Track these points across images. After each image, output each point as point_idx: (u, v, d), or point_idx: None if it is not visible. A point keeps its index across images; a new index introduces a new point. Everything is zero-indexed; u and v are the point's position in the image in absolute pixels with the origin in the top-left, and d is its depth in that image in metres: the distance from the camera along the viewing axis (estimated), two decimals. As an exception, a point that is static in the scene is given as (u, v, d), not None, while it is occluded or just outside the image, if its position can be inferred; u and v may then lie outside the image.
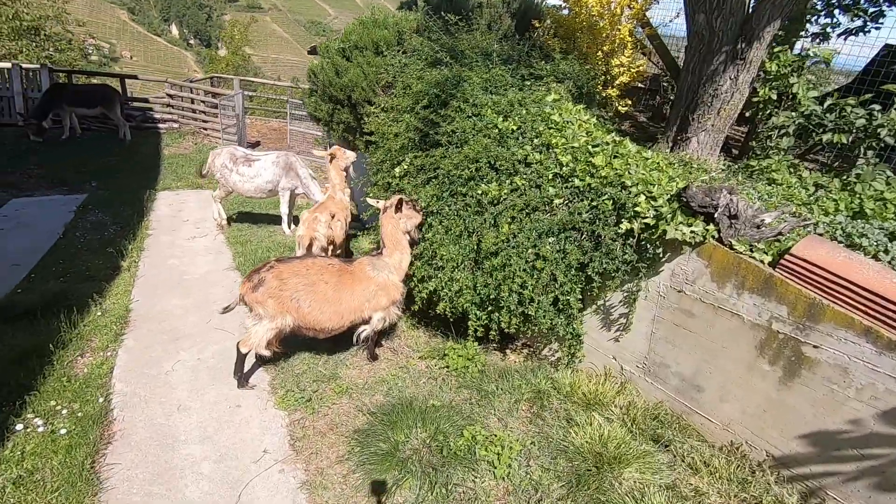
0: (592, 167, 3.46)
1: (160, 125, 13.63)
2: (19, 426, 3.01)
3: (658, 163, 3.55)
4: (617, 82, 6.21)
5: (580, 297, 3.50)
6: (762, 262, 2.81)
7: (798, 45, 4.81)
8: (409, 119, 4.17)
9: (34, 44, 17.78)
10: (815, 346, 2.56)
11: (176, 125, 13.69)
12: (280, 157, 7.25)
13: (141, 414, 3.26)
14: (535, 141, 3.73)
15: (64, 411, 3.16)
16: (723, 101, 4.46)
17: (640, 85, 8.00)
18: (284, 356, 3.95)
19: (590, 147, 3.55)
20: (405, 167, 4.07)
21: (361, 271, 3.57)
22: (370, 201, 3.87)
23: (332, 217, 5.41)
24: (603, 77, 6.21)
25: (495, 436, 3.09)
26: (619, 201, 3.25)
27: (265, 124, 16.58)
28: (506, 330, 3.72)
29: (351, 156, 5.69)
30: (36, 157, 10.23)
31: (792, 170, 4.20)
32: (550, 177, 3.57)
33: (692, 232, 2.97)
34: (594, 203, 3.35)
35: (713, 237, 2.98)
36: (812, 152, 4.82)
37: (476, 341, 3.89)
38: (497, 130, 3.77)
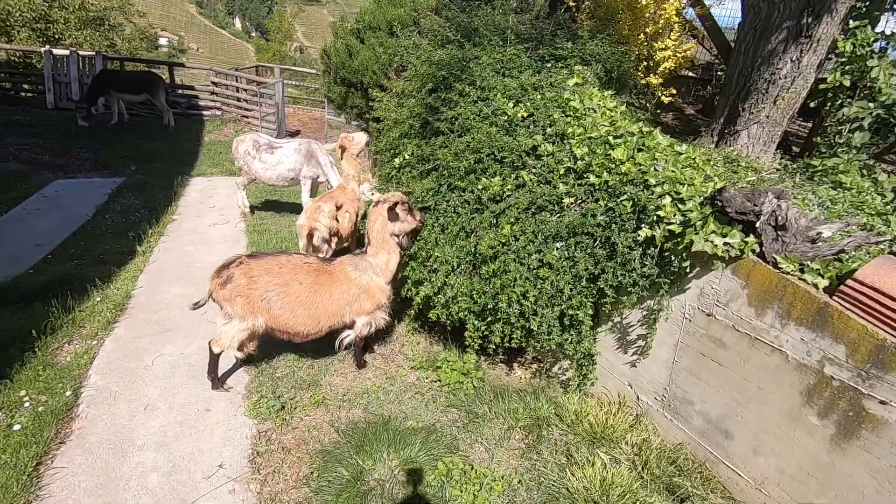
0: (611, 161, 2.94)
1: (204, 112, 13.93)
2: (-22, 418, 2.89)
3: (693, 159, 2.98)
4: (661, 69, 5.53)
5: (591, 312, 3.01)
6: (815, 286, 2.22)
7: (882, 22, 4.01)
8: (412, 104, 3.78)
9: (98, 33, 18.72)
10: (882, 402, 1.97)
11: (219, 112, 13.95)
12: (302, 144, 7.05)
13: (106, 412, 3.08)
14: (549, 130, 3.24)
15: (27, 404, 3.02)
16: (781, 87, 3.77)
17: (689, 73, 7.18)
18: (268, 356, 3.69)
19: (610, 138, 3.03)
20: (406, 157, 3.68)
21: (342, 272, 3.22)
22: (367, 193, 3.50)
23: (339, 208, 5.11)
24: (644, 63, 5.55)
25: (475, 471, 2.67)
26: (639, 203, 2.72)
27: (307, 113, 16.67)
28: (507, 344, 3.28)
29: (361, 138, 5.36)
30: (84, 141, 10.61)
31: (865, 172, 3.47)
32: (562, 172, 3.08)
33: (727, 244, 2.41)
34: (611, 204, 2.84)
35: (753, 251, 2.41)
36: (892, 151, 4.03)
37: (477, 353, 3.47)
38: (506, 117, 3.31)
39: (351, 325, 3.38)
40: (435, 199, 3.34)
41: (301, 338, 3.24)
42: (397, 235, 3.36)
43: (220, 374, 3.48)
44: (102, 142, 10.71)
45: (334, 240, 5.18)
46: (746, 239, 2.41)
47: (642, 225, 2.72)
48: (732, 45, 5.82)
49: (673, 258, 2.68)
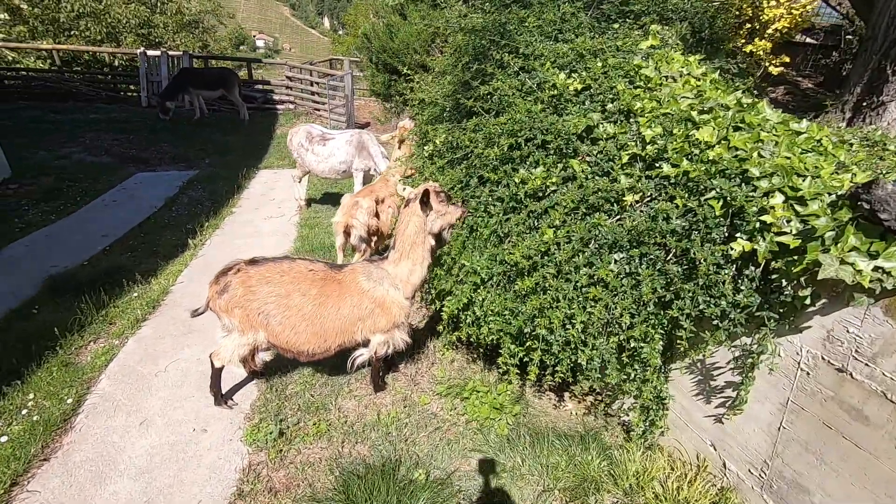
0: (695, 145, 2.15)
1: (278, 106, 14.28)
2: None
3: (818, 140, 2.10)
4: (769, 31, 4.42)
5: (661, 346, 2.25)
6: None
7: None
8: (445, 82, 3.18)
9: (192, 36, 20.05)
10: None
11: (292, 106, 14.23)
12: (354, 135, 6.72)
13: (101, 425, 2.85)
14: (609, 106, 2.49)
15: (24, 412, 2.88)
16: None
17: (806, 39, 5.85)
18: (283, 369, 3.32)
19: (694, 113, 2.23)
20: (437, 143, 3.09)
21: (352, 282, 2.71)
22: (399, 190, 2.97)
23: (381, 203, 4.64)
24: (748, 25, 4.47)
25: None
26: (734, 203, 1.93)
27: (380, 105, 16.61)
28: (548, 379, 2.61)
29: (410, 126, 4.85)
30: (168, 136, 11.20)
31: None
32: (625, 160, 2.33)
33: (880, 270, 1.57)
34: (691, 204, 2.06)
35: (926, 282, 1.54)
36: None
37: (520, 376, 2.83)
38: (554, 91, 2.61)
39: (366, 344, 2.88)
40: (463, 193, 2.72)
41: (306, 357, 2.80)
42: (438, 234, 2.75)
43: (229, 387, 3.17)
44: (183, 136, 11.24)
45: (374, 238, 4.74)
46: (913, 262, 1.55)
47: (737, 234, 1.92)
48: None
49: (784, 283, 1.85)
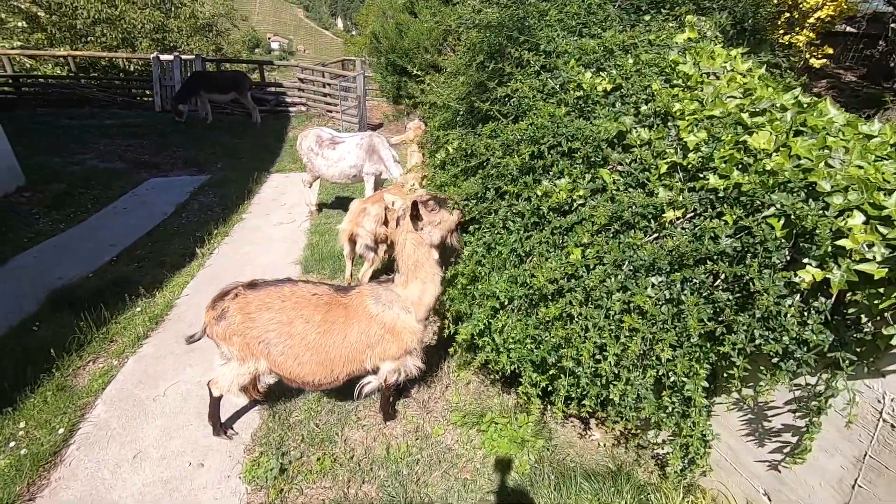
0: (747, 153, 1.85)
1: (290, 109, 14.16)
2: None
3: (894, 145, 1.79)
4: (811, 20, 4.06)
5: (706, 383, 1.97)
6: None
7: None
8: (459, 83, 2.92)
9: (206, 39, 20.10)
10: None
11: (304, 108, 14.09)
12: (364, 138, 6.51)
13: (94, 458, 2.67)
14: (644, 108, 2.21)
15: (12, 444, 2.70)
16: None
17: (847, 28, 5.43)
18: (287, 394, 3.10)
19: (744, 115, 1.93)
20: (450, 150, 2.83)
21: (360, 306, 2.47)
22: (387, 198, 2.73)
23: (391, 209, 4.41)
24: (786, 15, 4.12)
25: None
26: (799, 222, 1.63)
27: (392, 106, 16.40)
28: (576, 408, 2.35)
29: (423, 127, 4.61)
30: (180, 140, 11.15)
31: None
32: (664, 170, 2.04)
33: None
34: (746, 222, 1.76)
35: None
36: None
37: (542, 401, 2.56)
38: (580, 92, 2.33)
39: (375, 371, 2.64)
40: (479, 207, 2.46)
41: (312, 387, 2.58)
42: (437, 246, 2.52)
43: (230, 414, 2.97)
44: (196, 140, 11.17)
45: (382, 247, 4.50)
46: None
47: (805, 260, 1.63)
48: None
49: (864, 319, 1.56)
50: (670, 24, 2.59)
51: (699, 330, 1.86)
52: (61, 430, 2.80)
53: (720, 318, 1.83)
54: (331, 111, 13.48)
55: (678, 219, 1.98)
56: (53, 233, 6.15)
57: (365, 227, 4.16)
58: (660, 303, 1.97)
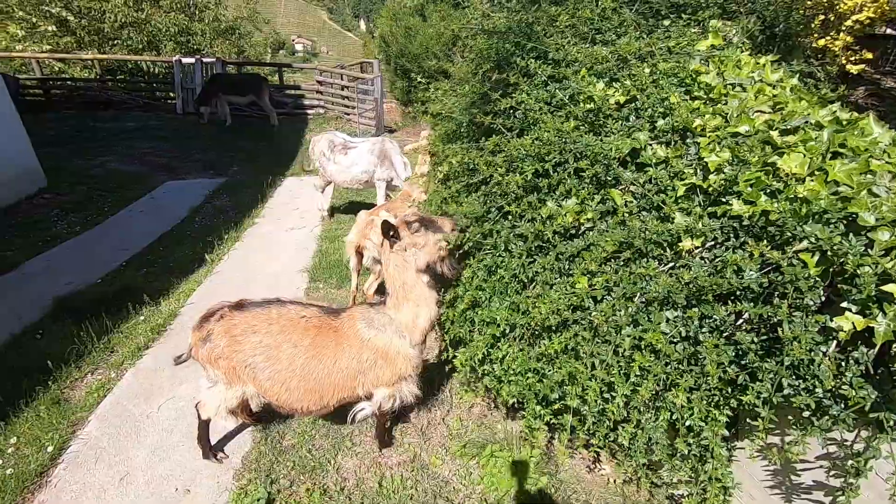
0: (776, 177, 1.65)
1: (308, 111, 14.19)
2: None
3: (954, 169, 1.56)
4: (847, 23, 3.77)
5: (726, 433, 1.76)
6: None
7: None
8: (464, 92, 2.75)
9: (228, 42, 20.36)
10: None
11: (322, 111, 14.10)
12: (376, 143, 6.40)
13: (80, 480, 2.59)
14: (660, 123, 2.01)
15: (0, 462, 2.64)
16: None
17: (886, 31, 5.10)
18: (282, 415, 2.98)
19: (774, 134, 1.72)
20: (452, 165, 2.66)
21: (350, 330, 2.33)
22: (382, 215, 2.57)
23: (399, 221, 4.27)
24: (821, 17, 3.84)
25: None
26: (836, 258, 1.42)
27: (401, 110, 16.32)
28: (584, 447, 2.16)
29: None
30: (199, 143, 11.25)
31: None
32: (681, 192, 1.85)
33: None
34: (774, 257, 1.56)
35: None
36: None
37: (543, 435, 2.39)
38: (591, 105, 2.14)
39: (369, 397, 2.50)
40: (480, 228, 2.29)
41: (302, 414, 2.45)
42: (425, 270, 2.33)
43: (223, 435, 2.87)
44: (214, 143, 11.26)
45: (389, 260, 4.37)
46: None
47: (844, 304, 1.42)
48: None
49: (913, 376, 1.34)
50: (692, 30, 2.38)
51: (717, 375, 1.65)
52: (50, 449, 2.73)
53: (743, 363, 1.63)
54: (348, 114, 13.45)
55: (696, 248, 1.78)
56: (68, 236, 6.20)
57: (373, 239, 4.03)
58: (674, 340, 1.77)
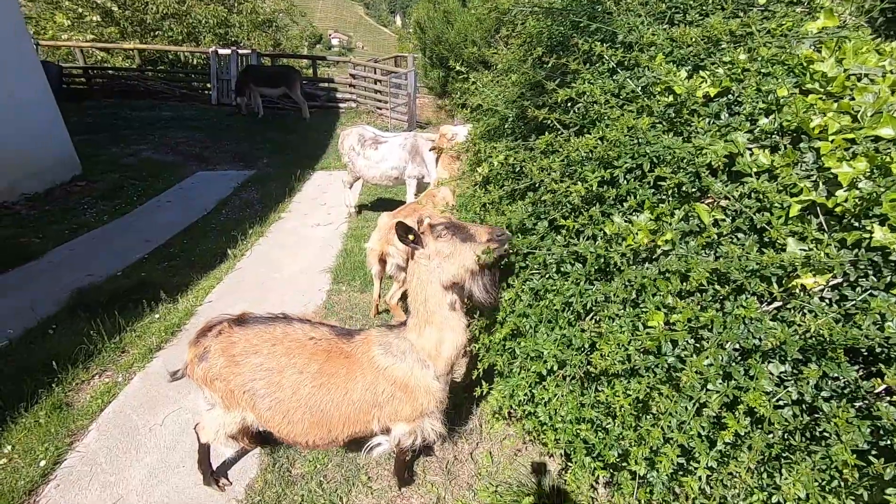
0: (943, 198, 1.21)
1: (340, 105, 14.03)
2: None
3: None
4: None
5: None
6: None
7: None
8: (510, 82, 2.38)
9: (265, 34, 20.45)
10: None
11: (354, 104, 13.92)
12: (408, 138, 6.09)
13: (70, 501, 2.36)
14: (763, 121, 1.59)
15: (-9, 474, 2.44)
16: None
17: None
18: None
19: (939, 140, 1.29)
20: (494, 165, 2.29)
21: (365, 356, 2.00)
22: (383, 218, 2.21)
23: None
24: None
25: None
26: None
27: (432, 103, 15.98)
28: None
29: (460, 132, 4.12)
30: (231, 134, 11.21)
31: None
32: (796, 212, 1.43)
33: None
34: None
35: None
36: None
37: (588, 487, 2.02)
38: (670, 98, 1.73)
39: (385, 432, 2.17)
40: (525, 241, 1.91)
41: (307, 448, 2.14)
42: (452, 287, 1.95)
43: (226, 458, 2.59)
44: (246, 134, 11.21)
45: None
46: None
47: None
48: None
49: None
50: (798, 10, 1.94)
51: (844, 459, 1.24)
52: (43, 463, 2.51)
53: (885, 444, 1.21)
54: (380, 108, 13.22)
55: (819, 286, 1.36)
56: (96, 225, 6.14)
57: (397, 245, 3.70)
58: (784, 401, 1.37)
